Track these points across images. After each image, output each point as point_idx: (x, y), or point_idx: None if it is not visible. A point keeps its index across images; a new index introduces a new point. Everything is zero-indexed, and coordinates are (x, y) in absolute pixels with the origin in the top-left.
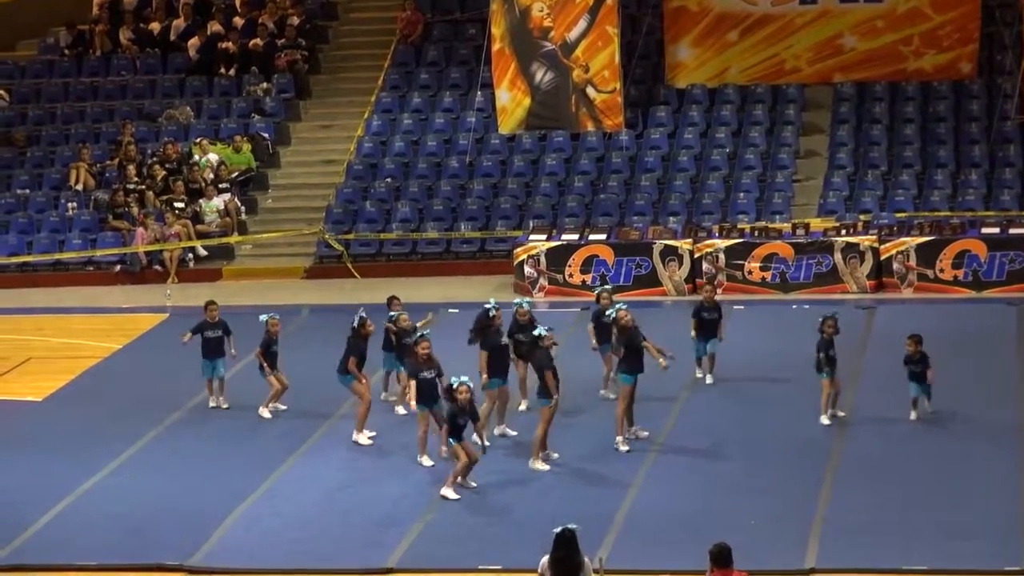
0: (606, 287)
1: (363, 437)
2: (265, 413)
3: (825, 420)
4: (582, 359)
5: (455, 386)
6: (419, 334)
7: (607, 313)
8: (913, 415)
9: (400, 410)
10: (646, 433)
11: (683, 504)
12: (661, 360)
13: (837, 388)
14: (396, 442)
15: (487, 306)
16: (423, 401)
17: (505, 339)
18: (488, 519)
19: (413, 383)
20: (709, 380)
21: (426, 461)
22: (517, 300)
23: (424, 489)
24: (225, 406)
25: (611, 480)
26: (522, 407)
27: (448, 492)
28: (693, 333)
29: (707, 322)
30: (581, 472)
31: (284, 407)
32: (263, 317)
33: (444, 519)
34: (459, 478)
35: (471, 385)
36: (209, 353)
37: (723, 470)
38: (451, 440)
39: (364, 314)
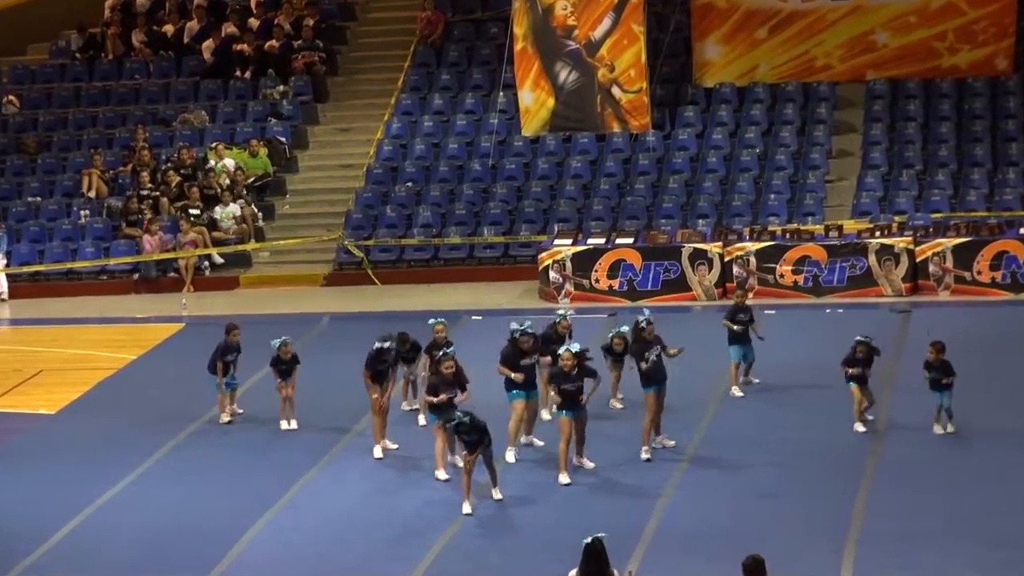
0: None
1: (378, 450)
2: (293, 425)
3: (860, 428)
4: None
5: (439, 359)
6: (444, 351)
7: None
8: (937, 428)
9: (422, 420)
10: (672, 442)
11: (715, 514)
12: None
13: (870, 400)
14: (419, 453)
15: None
16: (439, 413)
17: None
18: (514, 531)
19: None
20: (739, 393)
21: (441, 475)
22: (560, 311)
23: (448, 501)
24: (239, 411)
25: (640, 491)
26: (546, 416)
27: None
28: (732, 328)
29: (740, 324)
30: (609, 483)
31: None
32: (275, 343)
33: (469, 532)
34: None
35: (456, 359)
36: (224, 371)
37: (755, 479)
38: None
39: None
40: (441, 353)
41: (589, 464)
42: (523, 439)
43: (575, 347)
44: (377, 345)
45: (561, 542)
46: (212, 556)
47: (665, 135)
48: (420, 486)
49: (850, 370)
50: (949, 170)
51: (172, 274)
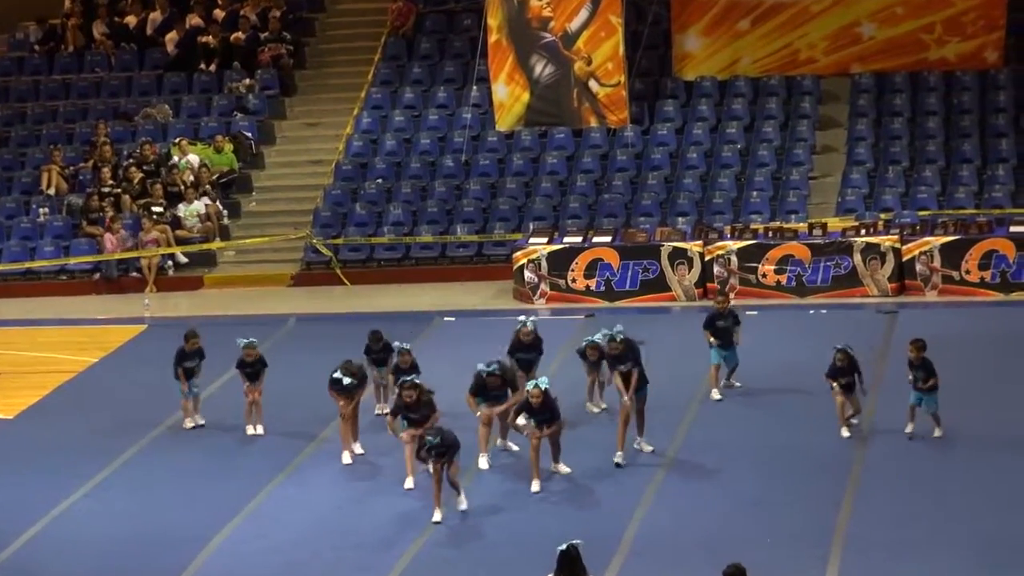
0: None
1: (346, 455)
2: (259, 430)
3: (845, 433)
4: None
5: (403, 383)
6: (407, 378)
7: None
8: (909, 428)
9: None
10: (651, 448)
11: (695, 522)
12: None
13: (856, 407)
14: (389, 459)
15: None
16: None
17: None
18: (487, 540)
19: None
20: (718, 396)
21: (409, 483)
22: (521, 318)
23: (418, 509)
24: (201, 422)
25: (618, 498)
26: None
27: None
28: (711, 341)
29: (721, 330)
30: (586, 490)
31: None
32: (240, 342)
33: (441, 540)
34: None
35: (419, 384)
36: (186, 377)
37: (737, 485)
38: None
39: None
40: (401, 381)
41: (565, 469)
42: (499, 443)
43: (543, 382)
44: (336, 375)
45: (536, 551)
46: (174, 567)
47: (644, 130)
48: (390, 493)
49: (835, 383)
50: (937, 166)
51: (134, 274)
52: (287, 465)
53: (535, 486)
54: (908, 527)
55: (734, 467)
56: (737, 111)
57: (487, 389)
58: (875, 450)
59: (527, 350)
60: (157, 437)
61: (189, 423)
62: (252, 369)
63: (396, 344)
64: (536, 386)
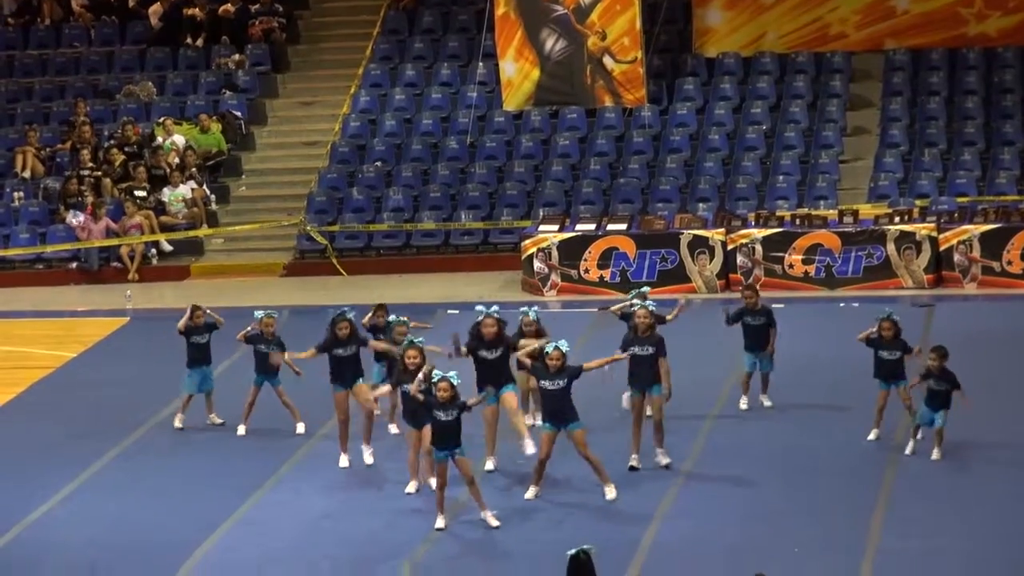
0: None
1: (344, 459)
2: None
3: (872, 436)
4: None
5: (435, 381)
6: (408, 340)
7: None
8: (910, 447)
9: (392, 429)
10: (667, 460)
11: (717, 531)
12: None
13: (906, 403)
14: (389, 464)
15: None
16: (411, 419)
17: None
18: (493, 550)
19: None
20: (744, 407)
21: (412, 488)
22: (524, 308)
23: (419, 517)
24: (219, 421)
25: (634, 506)
26: (529, 422)
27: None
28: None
29: (752, 329)
30: (599, 498)
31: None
32: (259, 313)
33: (443, 551)
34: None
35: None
36: (196, 362)
37: (761, 493)
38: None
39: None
40: (403, 346)
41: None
42: (528, 420)
43: (564, 344)
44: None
45: (546, 560)
46: None
47: (662, 110)
48: (389, 499)
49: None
50: (976, 149)
51: (115, 263)
52: (280, 468)
53: (528, 447)
54: (941, 538)
55: (758, 472)
56: (762, 90)
57: (482, 339)
58: (907, 456)
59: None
60: (140, 438)
61: (178, 423)
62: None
63: (392, 317)
64: (556, 348)
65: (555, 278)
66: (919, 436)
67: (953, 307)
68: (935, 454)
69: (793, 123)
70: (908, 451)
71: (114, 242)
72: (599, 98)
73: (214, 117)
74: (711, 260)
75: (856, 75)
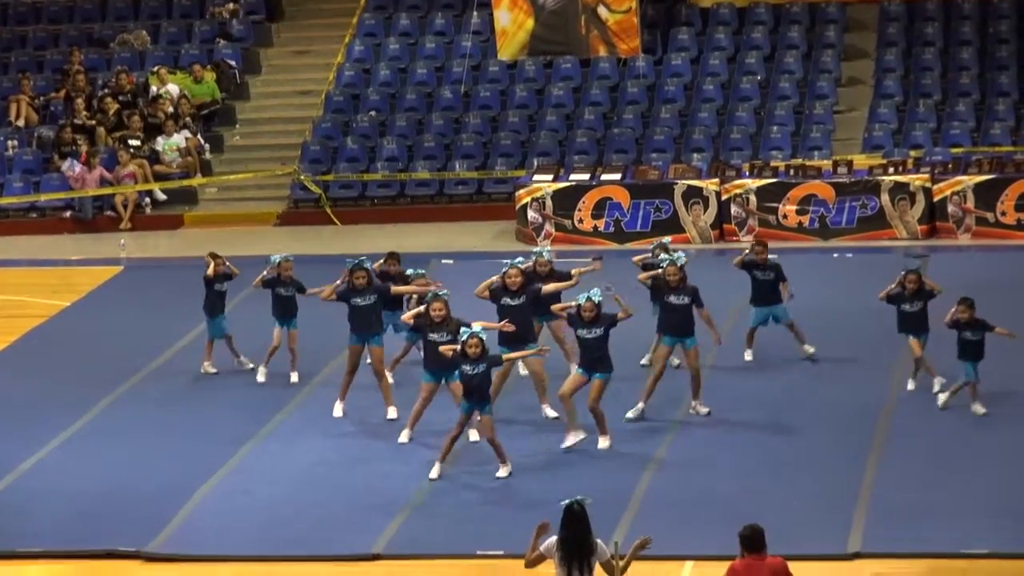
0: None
1: (338, 407)
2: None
3: (910, 385)
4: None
5: (464, 339)
6: (433, 292)
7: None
8: (977, 407)
9: (389, 378)
10: (705, 409)
11: (709, 482)
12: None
13: (926, 364)
14: (382, 413)
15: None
16: (430, 368)
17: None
18: (487, 500)
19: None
20: (811, 350)
21: (392, 413)
22: (537, 249)
23: (416, 466)
24: (250, 365)
25: (628, 456)
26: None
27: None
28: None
29: (761, 283)
30: (595, 448)
31: (251, 365)
32: (275, 257)
33: (439, 499)
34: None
35: (483, 338)
36: (214, 310)
37: (754, 444)
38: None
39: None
40: (428, 298)
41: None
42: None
43: (596, 294)
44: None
45: (540, 510)
46: (152, 523)
47: (656, 60)
48: (385, 448)
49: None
50: (971, 100)
51: (109, 212)
52: (274, 416)
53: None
54: (937, 490)
55: (752, 424)
56: (757, 40)
57: (505, 290)
58: (902, 407)
59: (543, 283)
60: (135, 386)
61: (211, 368)
62: (286, 293)
63: (411, 271)
64: (589, 299)
65: (549, 228)
66: (977, 392)
67: (947, 258)
68: (978, 408)
69: (788, 73)
70: (977, 410)
71: (108, 191)
72: (593, 48)
73: (208, 67)
74: (705, 210)
75: (851, 25)
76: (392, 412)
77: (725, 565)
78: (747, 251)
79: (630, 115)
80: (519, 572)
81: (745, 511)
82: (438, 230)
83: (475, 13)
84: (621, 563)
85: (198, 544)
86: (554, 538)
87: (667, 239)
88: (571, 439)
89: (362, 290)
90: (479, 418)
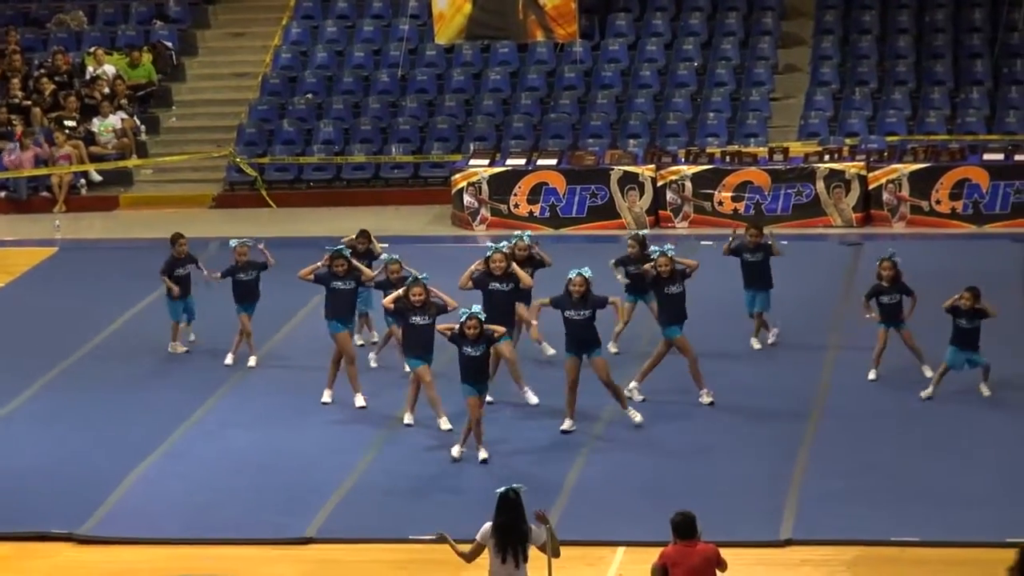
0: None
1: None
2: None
3: (871, 376)
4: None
5: (463, 319)
6: (413, 277)
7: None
8: (929, 391)
9: (372, 362)
10: (709, 399)
11: (641, 469)
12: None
13: (910, 344)
14: (318, 397)
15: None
16: (414, 353)
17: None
18: (421, 484)
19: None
20: (772, 340)
21: (407, 418)
22: (517, 232)
23: (350, 449)
24: (192, 338)
25: (561, 443)
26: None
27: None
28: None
29: (750, 265)
30: (528, 436)
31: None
32: (232, 242)
33: (371, 484)
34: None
35: (482, 319)
36: (180, 294)
37: (687, 431)
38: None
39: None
40: (408, 284)
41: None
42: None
43: (587, 271)
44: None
45: (473, 496)
46: (83, 508)
47: (594, 45)
48: (319, 432)
49: (872, 313)
50: (907, 88)
51: (44, 193)
52: (208, 399)
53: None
54: (868, 477)
55: (684, 412)
56: (694, 26)
57: (489, 276)
58: (835, 394)
59: (523, 267)
60: (68, 368)
61: (181, 347)
62: (246, 278)
63: (386, 256)
64: (579, 274)
65: (485, 212)
66: (938, 380)
67: (881, 245)
68: (984, 390)
69: (724, 60)
70: (925, 395)
71: (43, 171)
72: (531, 32)
73: (145, 48)
74: (641, 196)
75: (788, 12)
76: (360, 400)
77: (657, 551)
78: (732, 238)
79: (567, 100)
80: (451, 557)
81: (677, 498)
82: (373, 214)
83: None
84: (552, 543)
85: (130, 527)
86: (489, 524)
87: (644, 231)
88: (567, 423)
89: (342, 276)
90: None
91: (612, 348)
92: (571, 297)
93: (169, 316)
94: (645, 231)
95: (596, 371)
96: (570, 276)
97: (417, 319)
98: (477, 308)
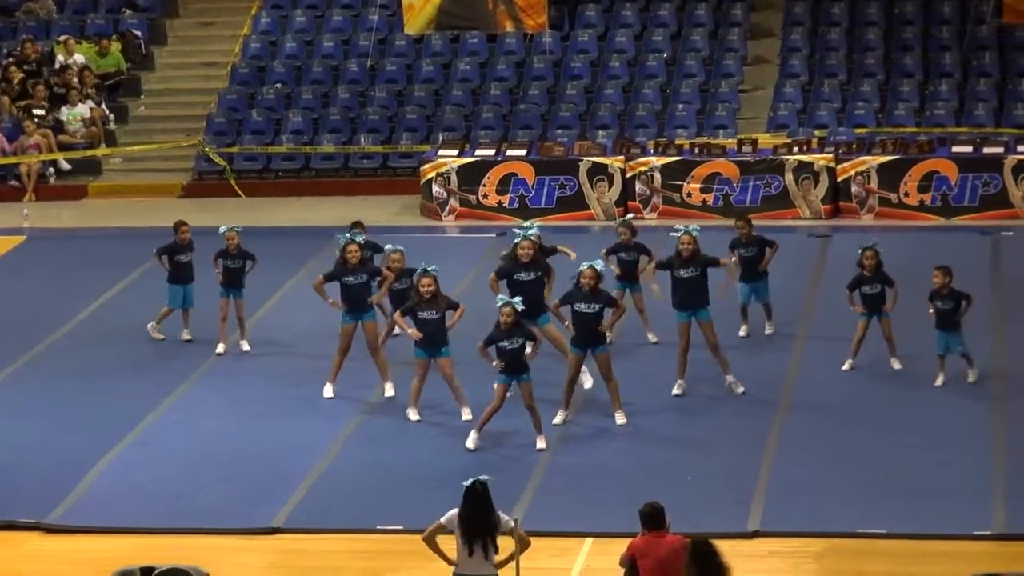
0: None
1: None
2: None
3: (846, 367)
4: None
5: (498, 307)
6: (423, 268)
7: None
8: (940, 379)
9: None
10: (740, 390)
11: (610, 460)
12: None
13: (887, 334)
14: (290, 386)
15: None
16: (424, 345)
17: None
18: (387, 475)
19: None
20: (769, 331)
21: (413, 415)
22: (526, 223)
23: (318, 438)
24: (188, 338)
25: (530, 433)
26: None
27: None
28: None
29: (745, 260)
30: (496, 425)
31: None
32: (221, 229)
33: (340, 473)
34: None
35: (517, 306)
36: (178, 279)
37: (656, 422)
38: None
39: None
40: (417, 274)
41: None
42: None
43: (598, 263)
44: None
45: (441, 486)
46: (50, 497)
47: (563, 36)
48: (289, 421)
49: (857, 305)
50: (876, 81)
51: (12, 182)
52: (177, 387)
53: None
54: (836, 468)
55: (654, 403)
56: (664, 17)
57: (516, 262)
58: (803, 385)
59: (524, 271)
60: (36, 356)
61: (159, 334)
62: (234, 266)
63: (389, 247)
64: (591, 266)
65: (454, 203)
66: (944, 367)
67: (849, 238)
68: (971, 376)
69: (694, 51)
70: (938, 383)
71: (12, 160)
72: (500, 23)
73: (114, 37)
74: (610, 187)
75: (757, 4)
76: (389, 389)
77: (625, 542)
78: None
79: (536, 91)
80: (418, 547)
81: (646, 489)
82: (342, 204)
83: None
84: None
85: (98, 516)
86: (455, 511)
87: (629, 215)
88: (560, 416)
89: (353, 269)
90: (495, 386)
91: (652, 338)
92: (581, 290)
93: (167, 302)
94: (630, 215)
95: (599, 366)
96: (581, 268)
97: (425, 314)
98: (517, 300)
